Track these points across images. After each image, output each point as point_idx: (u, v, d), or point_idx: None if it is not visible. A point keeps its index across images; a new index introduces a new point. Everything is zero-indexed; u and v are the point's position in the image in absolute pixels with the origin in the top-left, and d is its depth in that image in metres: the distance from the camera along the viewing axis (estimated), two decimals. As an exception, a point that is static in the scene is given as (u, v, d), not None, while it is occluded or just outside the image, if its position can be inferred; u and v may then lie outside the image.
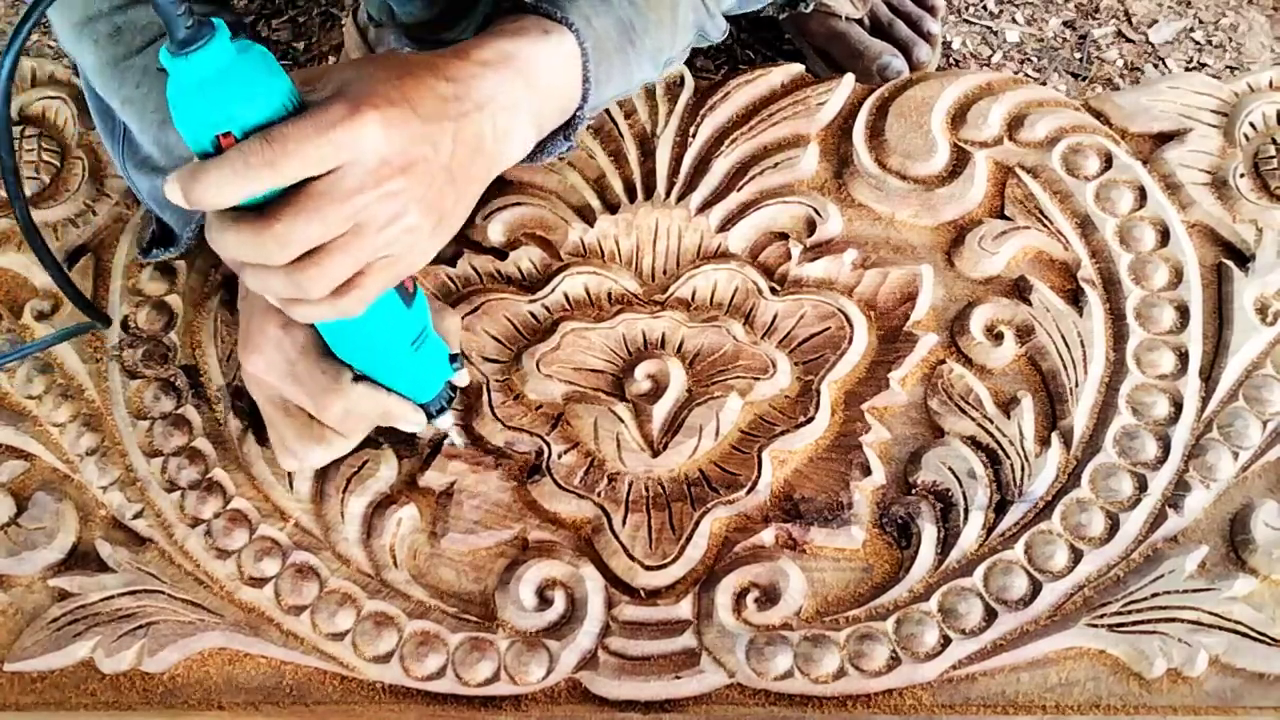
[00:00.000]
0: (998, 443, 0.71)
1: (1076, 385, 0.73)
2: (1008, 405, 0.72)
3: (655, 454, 0.71)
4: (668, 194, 0.79)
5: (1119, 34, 1.31)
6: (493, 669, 0.66)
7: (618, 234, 0.78)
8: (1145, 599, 0.67)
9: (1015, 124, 0.81)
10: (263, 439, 0.72)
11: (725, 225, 0.78)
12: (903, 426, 0.73)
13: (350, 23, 1.21)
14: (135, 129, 0.70)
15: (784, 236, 0.77)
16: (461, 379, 0.68)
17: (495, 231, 0.79)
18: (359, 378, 0.62)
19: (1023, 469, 0.70)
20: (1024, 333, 0.75)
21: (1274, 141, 0.79)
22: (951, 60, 1.29)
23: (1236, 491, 0.71)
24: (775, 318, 0.75)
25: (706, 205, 0.79)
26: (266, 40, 1.31)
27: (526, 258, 0.77)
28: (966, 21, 1.31)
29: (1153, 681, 0.65)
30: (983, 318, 0.75)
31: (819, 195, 0.79)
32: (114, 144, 0.74)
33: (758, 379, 0.73)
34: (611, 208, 0.79)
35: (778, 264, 0.77)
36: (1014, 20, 1.32)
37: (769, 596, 0.67)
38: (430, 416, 0.67)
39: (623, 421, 0.71)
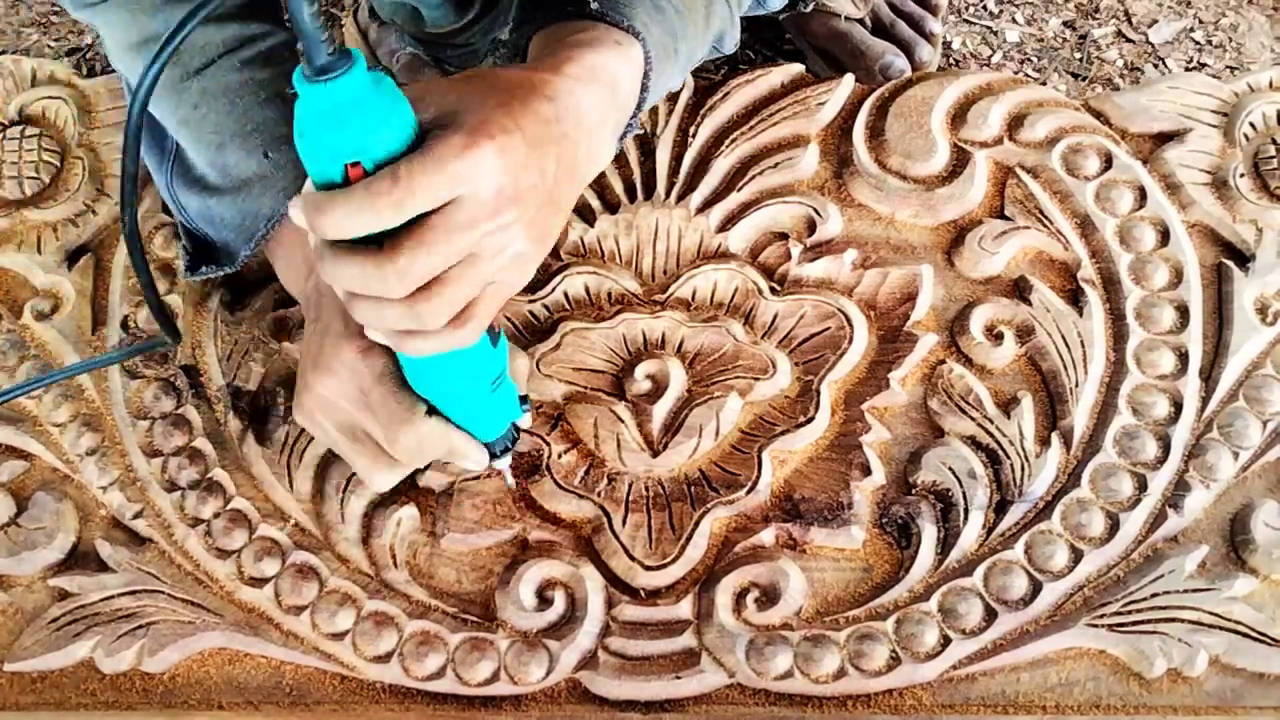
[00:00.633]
0: (998, 443, 0.71)
1: (1076, 385, 0.73)
2: (1008, 405, 0.72)
3: (655, 454, 0.71)
4: (668, 194, 0.79)
5: (1119, 34, 1.31)
6: (493, 669, 0.66)
7: (618, 234, 0.78)
8: (1145, 599, 0.67)
9: (1015, 124, 0.81)
10: (263, 439, 0.72)
11: (725, 225, 0.78)
12: (903, 426, 0.73)
13: (350, 22, 1.21)
14: (190, 150, 0.70)
15: (784, 236, 0.77)
16: (525, 420, 0.67)
17: (495, 231, 0.78)
18: (432, 411, 0.61)
19: (1023, 469, 0.70)
20: (1024, 333, 0.75)
21: (1274, 141, 0.79)
22: (951, 60, 1.29)
23: (1236, 491, 0.71)
24: (775, 318, 0.75)
25: (706, 205, 0.79)
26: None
27: (526, 258, 0.77)
28: (966, 21, 1.31)
29: (1153, 681, 0.65)
30: (983, 318, 0.75)
31: (819, 195, 0.79)
32: (161, 161, 0.74)
33: (758, 379, 0.73)
34: (611, 207, 0.79)
35: (778, 264, 0.77)
36: (1014, 20, 1.32)
37: (769, 596, 0.67)
38: (493, 456, 0.65)
39: (623, 421, 0.71)
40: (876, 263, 0.77)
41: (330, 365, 0.61)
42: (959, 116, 0.82)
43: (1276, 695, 0.65)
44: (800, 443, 0.71)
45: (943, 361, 0.74)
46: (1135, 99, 0.82)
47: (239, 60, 0.68)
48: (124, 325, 0.77)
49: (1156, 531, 0.69)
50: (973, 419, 0.72)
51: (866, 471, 0.71)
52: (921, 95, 0.82)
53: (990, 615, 0.67)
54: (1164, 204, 0.78)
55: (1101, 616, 0.66)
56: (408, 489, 0.71)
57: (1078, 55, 1.29)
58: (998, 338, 0.74)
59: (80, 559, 0.72)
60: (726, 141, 0.81)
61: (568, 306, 0.76)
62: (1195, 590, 0.67)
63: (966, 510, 0.69)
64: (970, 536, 0.69)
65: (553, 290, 0.76)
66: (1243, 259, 0.77)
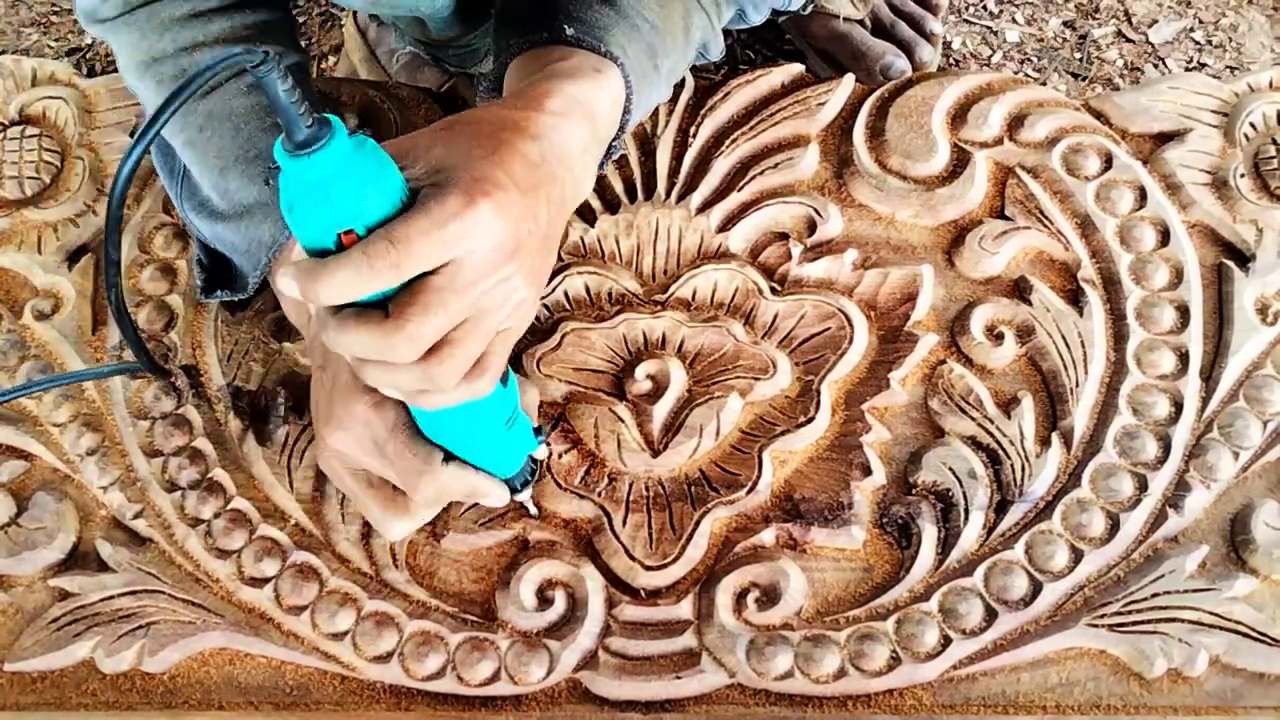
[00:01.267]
0: (998, 443, 0.71)
1: (1077, 385, 0.73)
2: (1008, 405, 0.72)
3: (655, 454, 0.71)
4: (668, 194, 0.79)
5: (1119, 34, 1.31)
6: (493, 669, 0.66)
7: (618, 234, 0.78)
8: (1145, 599, 0.67)
9: (1015, 124, 0.81)
10: (263, 439, 0.72)
11: (725, 225, 0.78)
12: (903, 426, 0.73)
13: (350, 23, 1.21)
14: (195, 172, 0.70)
15: (784, 236, 0.77)
16: (541, 452, 0.67)
17: (495, 231, 0.78)
18: (449, 457, 0.61)
19: (1023, 469, 0.70)
20: (1024, 333, 0.75)
21: (1274, 141, 0.79)
22: (951, 60, 1.29)
23: (1237, 491, 0.71)
24: (775, 318, 0.75)
25: (707, 205, 0.79)
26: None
27: (527, 258, 0.77)
28: (966, 21, 1.31)
29: (1153, 681, 0.65)
30: (983, 318, 0.75)
31: (819, 195, 0.79)
32: (172, 182, 0.74)
33: (758, 379, 0.73)
34: (612, 207, 0.79)
35: (778, 264, 0.77)
36: (1014, 20, 1.32)
37: (769, 596, 0.67)
38: (514, 491, 0.65)
39: (623, 421, 0.71)
40: (877, 263, 0.77)
41: (342, 421, 0.60)
42: (959, 116, 0.82)
43: (1276, 695, 0.65)
44: (800, 443, 0.71)
45: (943, 361, 0.74)
46: (1135, 99, 0.82)
47: (245, 85, 0.67)
48: (124, 325, 0.77)
49: (1157, 531, 0.69)
50: (973, 419, 0.72)
51: (867, 471, 0.71)
52: (922, 95, 0.82)
53: (990, 615, 0.67)
54: (1164, 204, 0.78)
55: (1102, 616, 0.66)
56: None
57: (1078, 55, 1.29)
58: (998, 338, 0.74)
59: (80, 559, 0.72)
60: (727, 141, 0.81)
61: (568, 306, 0.76)
62: (1195, 590, 0.67)
63: (967, 510, 0.69)
64: (970, 536, 0.69)
65: (553, 290, 0.76)
66: (1243, 259, 0.77)
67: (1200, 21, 1.31)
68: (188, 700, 0.67)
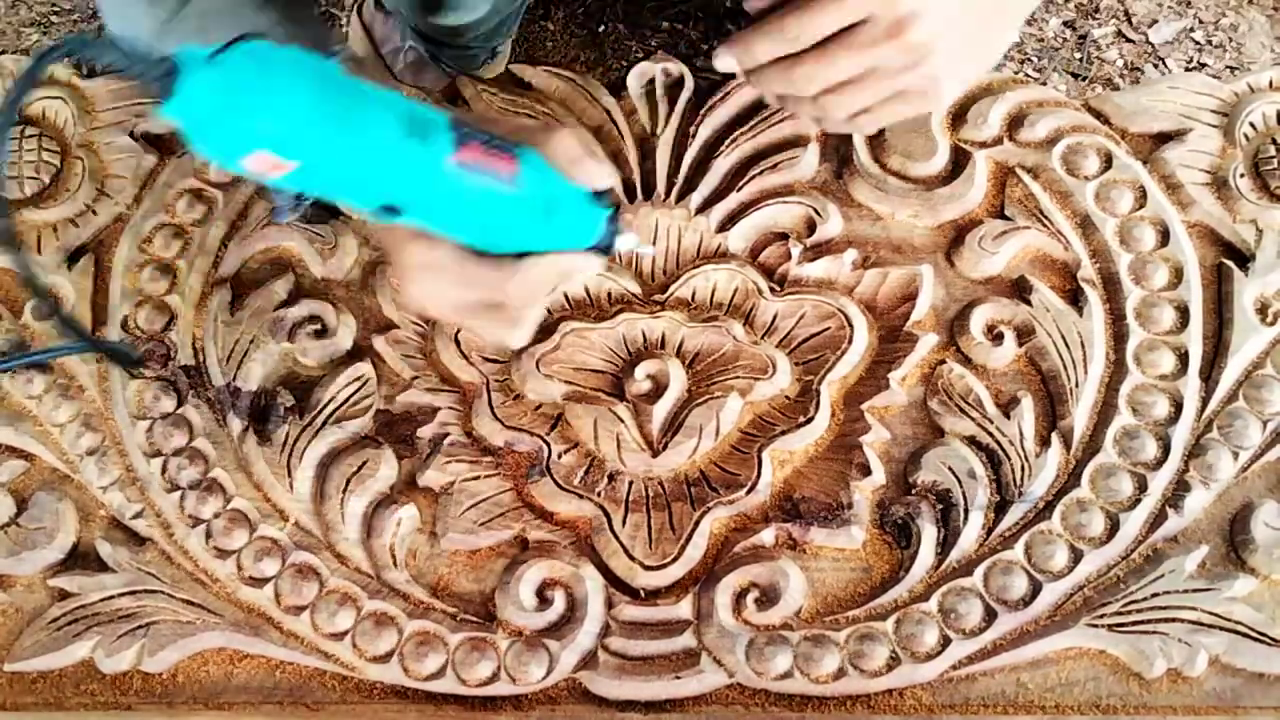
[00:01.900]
0: (998, 443, 0.71)
1: (1076, 385, 0.73)
2: (1008, 405, 0.72)
3: (655, 454, 0.71)
4: (668, 194, 0.79)
5: (1119, 34, 1.31)
6: (493, 669, 0.66)
7: (618, 234, 0.78)
8: (1145, 599, 0.67)
9: (1015, 124, 0.81)
10: (263, 439, 0.72)
11: (725, 225, 0.78)
12: (903, 426, 0.73)
13: (355, 19, 1.21)
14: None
15: (784, 236, 0.77)
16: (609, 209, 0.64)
17: (495, 231, 0.78)
18: (521, 254, 0.60)
19: (1023, 469, 0.70)
20: (1024, 333, 0.75)
21: (1274, 141, 0.79)
22: (952, 60, 1.28)
23: (1236, 491, 0.71)
24: (775, 318, 0.75)
25: (706, 205, 0.79)
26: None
27: (526, 258, 0.77)
28: (967, 21, 1.31)
29: (1153, 681, 0.65)
30: (983, 318, 0.75)
31: (819, 195, 0.79)
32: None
33: (758, 379, 0.73)
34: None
35: (778, 264, 0.77)
36: (1014, 20, 1.31)
37: (769, 596, 0.67)
38: (605, 251, 0.62)
39: (623, 421, 0.71)
40: (876, 263, 0.77)
41: (410, 271, 0.61)
42: (959, 116, 0.82)
43: (1276, 695, 0.65)
44: (800, 443, 0.71)
45: (943, 361, 0.74)
46: (1135, 99, 0.82)
47: None
48: (124, 325, 0.77)
49: (1156, 531, 0.69)
50: (973, 419, 0.72)
51: (866, 471, 0.71)
52: (921, 95, 0.82)
53: (990, 615, 0.67)
54: (1164, 204, 0.78)
55: (1101, 616, 0.66)
56: (407, 489, 0.71)
57: (1078, 55, 1.29)
58: (998, 338, 0.74)
59: (80, 559, 0.72)
60: (726, 141, 0.81)
61: (567, 307, 0.76)
62: (1195, 590, 0.67)
63: (966, 510, 0.69)
64: (970, 536, 0.69)
65: (552, 290, 0.76)
66: (1243, 259, 0.77)
67: (1200, 21, 1.31)
68: (187, 700, 0.67)
